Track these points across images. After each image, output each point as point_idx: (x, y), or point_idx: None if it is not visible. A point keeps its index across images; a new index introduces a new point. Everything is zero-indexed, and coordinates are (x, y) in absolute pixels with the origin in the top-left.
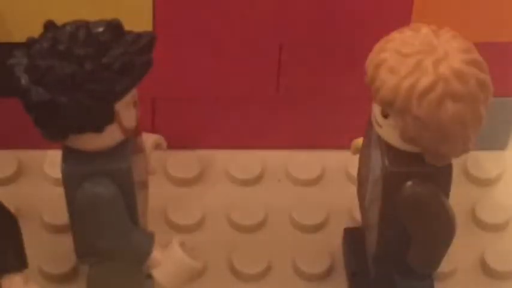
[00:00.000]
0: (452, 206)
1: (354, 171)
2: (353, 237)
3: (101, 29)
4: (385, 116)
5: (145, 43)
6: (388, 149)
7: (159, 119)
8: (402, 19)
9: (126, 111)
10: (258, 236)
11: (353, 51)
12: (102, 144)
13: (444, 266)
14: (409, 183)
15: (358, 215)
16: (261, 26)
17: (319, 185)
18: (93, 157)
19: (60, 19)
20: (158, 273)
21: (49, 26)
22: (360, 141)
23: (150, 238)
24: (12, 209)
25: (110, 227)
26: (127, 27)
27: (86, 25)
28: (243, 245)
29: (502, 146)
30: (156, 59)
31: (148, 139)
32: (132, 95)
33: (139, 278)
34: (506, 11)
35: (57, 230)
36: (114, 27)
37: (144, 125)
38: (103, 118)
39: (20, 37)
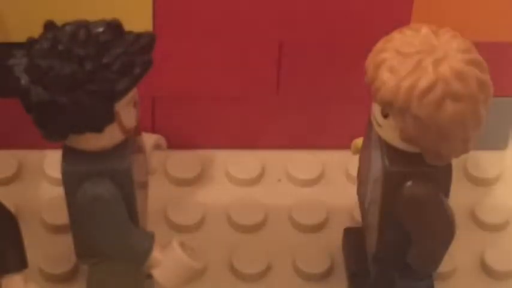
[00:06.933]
0: (452, 206)
1: (354, 171)
2: (353, 237)
3: (101, 29)
4: (385, 116)
5: (145, 43)
6: (388, 149)
7: (159, 119)
8: (402, 19)
9: (126, 111)
10: (258, 236)
11: (353, 51)
12: (102, 144)
13: (444, 266)
14: (409, 183)
15: (358, 215)
16: (261, 26)
17: (319, 185)
18: (93, 157)
19: (60, 19)
20: (158, 273)
21: (49, 26)
22: (360, 141)
23: (150, 238)
24: (12, 209)
25: (109, 227)
26: (127, 27)
27: (86, 25)
28: (243, 245)
29: (502, 146)
30: (156, 59)
31: (149, 139)
32: (132, 95)
33: (139, 278)
34: (506, 11)
35: (57, 230)
36: (114, 27)
37: (144, 125)
38: (103, 118)
39: (20, 37)
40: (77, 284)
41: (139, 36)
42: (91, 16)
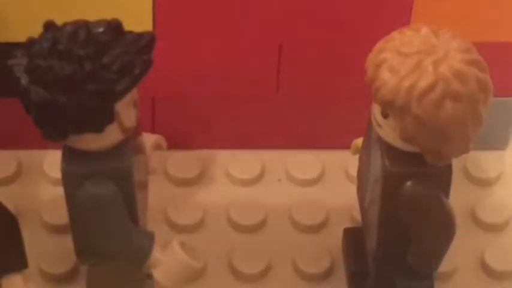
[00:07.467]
0: (452, 206)
1: (354, 171)
2: (353, 237)
3: (101, 29)
4: (385, 116)
5: (145, 43)
6: (388, 149)
7: (159, 119)
8: (402, 19)
9: (126, 111)
10: (258, 236)
11: (353, 51)
12: (102, 144)
13: (444, 266)
14: (409, 183)
15: (358, 215)
16: (261, 26)
17: (319, 185)
18: (93, 157)
19: (60, 19)
20: (158, 273)
21: (49, 26)
22: (360, 141)
23: (150, 238)
24: (12, 209)
25: (110, 227)
26: (127, 27)
27: (85, 25)
28: (243, 245)
29: (502, 146)
30: (156, 59)
31: (148, 139)
32: (132, 95)
33: (139, 278)
34: (506, 11)
35: (57, 230)
36: (114, 27)
37: (144, 125)
38: (103, 118)
39: (20, 37)
40: (77, 284)
41: (139, 36)
42: (91, 16)
